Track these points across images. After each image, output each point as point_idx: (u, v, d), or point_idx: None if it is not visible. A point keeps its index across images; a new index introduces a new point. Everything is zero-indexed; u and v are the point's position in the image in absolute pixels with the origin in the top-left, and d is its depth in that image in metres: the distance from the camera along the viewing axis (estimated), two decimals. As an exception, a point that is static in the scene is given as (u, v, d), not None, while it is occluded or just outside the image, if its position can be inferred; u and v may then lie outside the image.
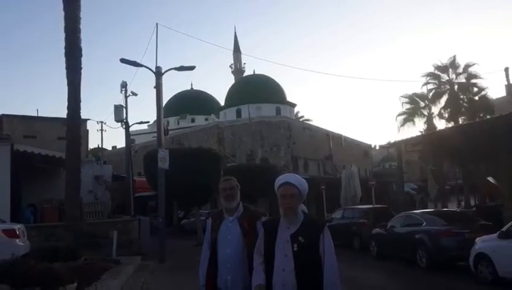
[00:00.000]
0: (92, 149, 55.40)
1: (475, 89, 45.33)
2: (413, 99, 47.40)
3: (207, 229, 5.86)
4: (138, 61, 24.03)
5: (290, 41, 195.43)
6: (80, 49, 18.97)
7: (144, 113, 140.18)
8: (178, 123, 74.67)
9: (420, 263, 17.15)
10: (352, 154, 59.13)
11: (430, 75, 46.46)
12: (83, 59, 19.07)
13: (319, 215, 31.55)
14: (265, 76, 69.44)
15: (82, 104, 19.00)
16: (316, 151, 53.25)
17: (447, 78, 45.95)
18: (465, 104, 44.76)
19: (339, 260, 4.80)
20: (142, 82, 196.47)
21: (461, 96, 45.30)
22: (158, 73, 23.61)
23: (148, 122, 48.45)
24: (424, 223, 17.93)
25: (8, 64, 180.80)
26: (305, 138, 52.43)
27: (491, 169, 31.51)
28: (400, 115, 47.72)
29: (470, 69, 45.23)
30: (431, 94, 46.60)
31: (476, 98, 44.86)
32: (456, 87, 45.43)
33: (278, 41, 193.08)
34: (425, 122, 46.53)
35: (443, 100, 45.65)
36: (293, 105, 70.38)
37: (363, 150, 68.74)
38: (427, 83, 46.86)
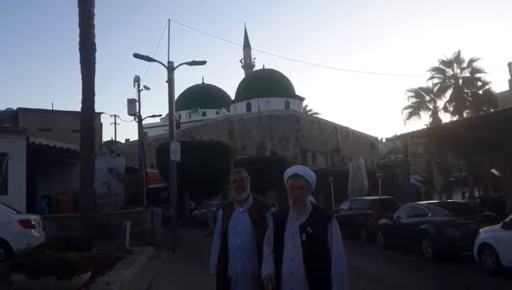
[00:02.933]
0: (106, 142, 55.57)
1: (479, 83, 45.53)
2: (418, 93, 47.62)
3: (218, 220, 5.97)
4: (151, 56, 24.27)
5: (298, 36, 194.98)
6: (94, 45, 19.29)
7: (156, 106, 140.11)
8: (189, 116, 74.70)
9: (425, 252, 17.36)
10: (359, 146, 59.06)
11: (435, 69, 46.68)
12: (96, 54, 19.42)
13: (326, 207, 31.77)
14: (274, 70, 69.48)
15: (96, 98, 19.34)
16: (324, 144, 53.26)
17: (452, 72, 46.15)
18: (469, 98, 44.94)
19: (346, 250, 4.93)
20: (155, 76, 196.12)
21: (465, 90, 45.46)
22: (170, 68, 23.78)
23: (160, 115, 48.78)
24: (430, 214, 18.16)
25: (24, 60, 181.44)
26: (313, 131, 52.49)
27: (494, 161, 31.66)
28: (405, 108, 48.03)
29: (474, 64, 45.46)
30: (436, 88, 46.82)
31: (480, 92, 45.03)
32: (460, 81, 45.62)
33: (287, 36, 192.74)
34: (430, 116, 46.74)
35: (448, 94, 45.90)
36: (302, 99, 70.38)
37: (370, 142, 68.48)
38: (432, 78, 47.09)
